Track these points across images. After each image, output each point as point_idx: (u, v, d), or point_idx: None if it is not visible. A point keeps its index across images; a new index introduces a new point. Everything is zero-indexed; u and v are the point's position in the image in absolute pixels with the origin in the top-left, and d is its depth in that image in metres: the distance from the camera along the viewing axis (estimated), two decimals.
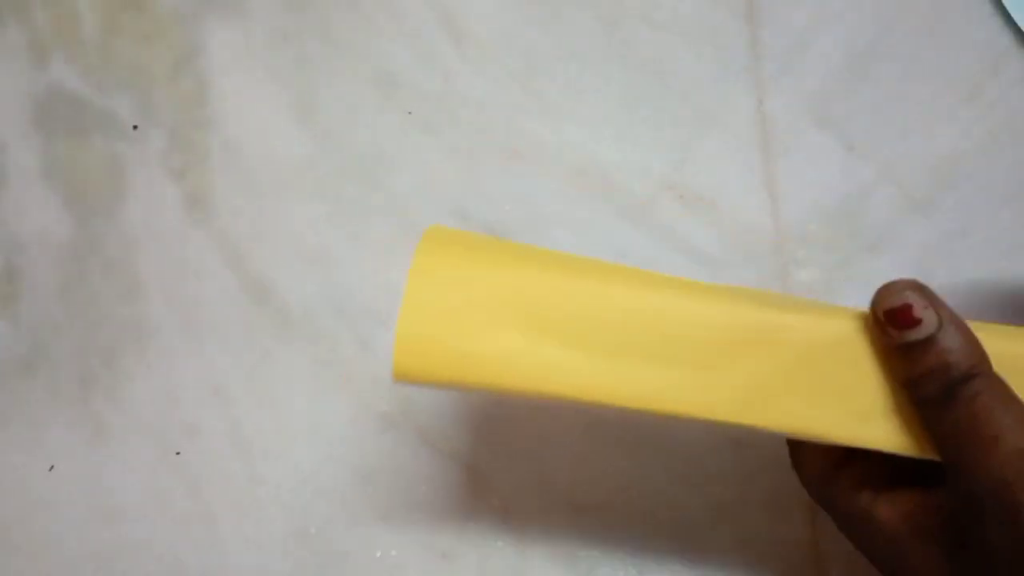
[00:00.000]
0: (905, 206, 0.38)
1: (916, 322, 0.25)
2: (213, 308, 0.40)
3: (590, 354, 0.26)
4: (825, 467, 0.28)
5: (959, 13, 0.40)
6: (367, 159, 0.41)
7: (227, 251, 0.41)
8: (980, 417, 0.24)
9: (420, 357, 0.26)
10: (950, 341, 0.25)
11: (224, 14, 0.44)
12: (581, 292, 0.27)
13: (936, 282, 0.27)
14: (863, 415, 0.26)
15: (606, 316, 0.27)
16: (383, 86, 0.42)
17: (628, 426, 0.36)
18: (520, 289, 0.27)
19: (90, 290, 0.41)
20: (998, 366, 0.25)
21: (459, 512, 0.36)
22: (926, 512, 0.26)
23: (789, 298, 0.29)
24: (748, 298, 0.27)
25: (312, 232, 0.40)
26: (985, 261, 0.37)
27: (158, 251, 0.41)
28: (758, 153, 0.39)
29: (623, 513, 0.35)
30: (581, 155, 0.40)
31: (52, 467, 0.39)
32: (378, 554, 0.36)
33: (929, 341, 0.25)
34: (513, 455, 0.36)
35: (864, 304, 0.26)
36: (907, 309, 0.25)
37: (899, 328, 0.25)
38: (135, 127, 0.43)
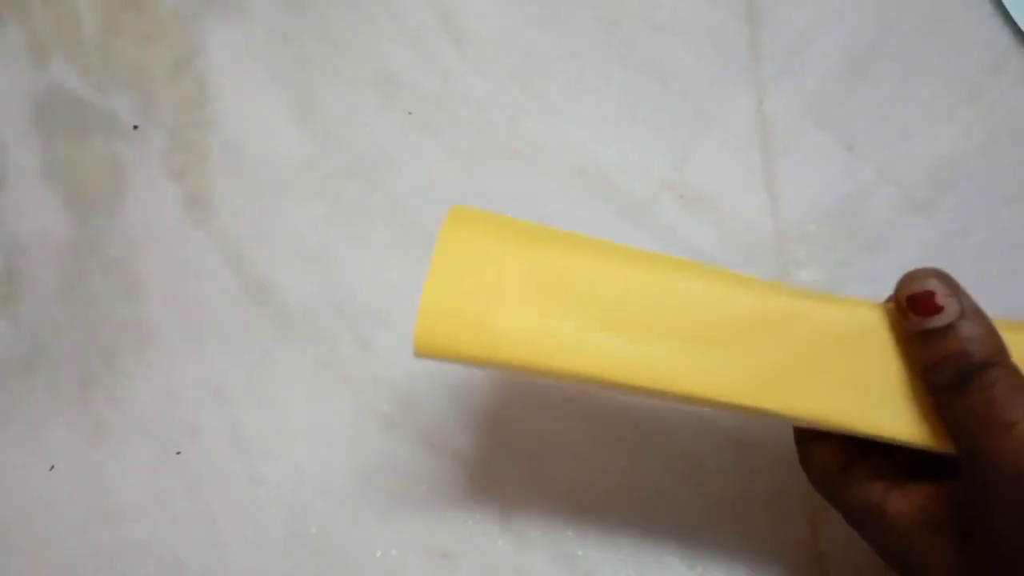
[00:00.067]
0: (905, 206, 0.38)
1: (938, 309, 0.25)
2: (213, 308, 0.40)
3: (609, 333, 0.27)
4: (836, 462, 0.28)
5: (959, 13, 0.40)
6: (367, 159, 0.41)
7: (227, 251, 0.41)
8: (996, 404, 0.24)
9: (441, 331, 0.27)
10: (970, 330, 0.25)
11: (224, 14, 0.44)
12: (602, 273, 0.27)
13: None
14: (880, 404, 0.26)
15: (626, 297, 0.27)
16: (383, 86, 0.42)
17: (628, 426, 0.36)
18: (542, 268, 0.27)
19: (90, 290, 0.41)
20: (1017, 359, 0.25)
21: (459, 512, 0.36)
22: (938, 503, 0.26)
23: (805, 290, 0.29)
24: (766, 285, 0.27)
25: (312, 232, 0.40)
26: (985, 261, 0.37)
27: (158, 251, 0.41)
28: (758, 153, 0.39)
29: (623, 513, 0.35)
30: (581, 155, 0.40)
31: (52, 467, 0.39)
32: (378, 554, 0.36)
33: (950, 329, 0.25)
34: (513, 455, 0.36)
35: None
36: (930, 296, 0.25)
37: (920, 314, 0.25)
38: (135, 127, 0.43)
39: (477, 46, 0.42)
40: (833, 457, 0.28)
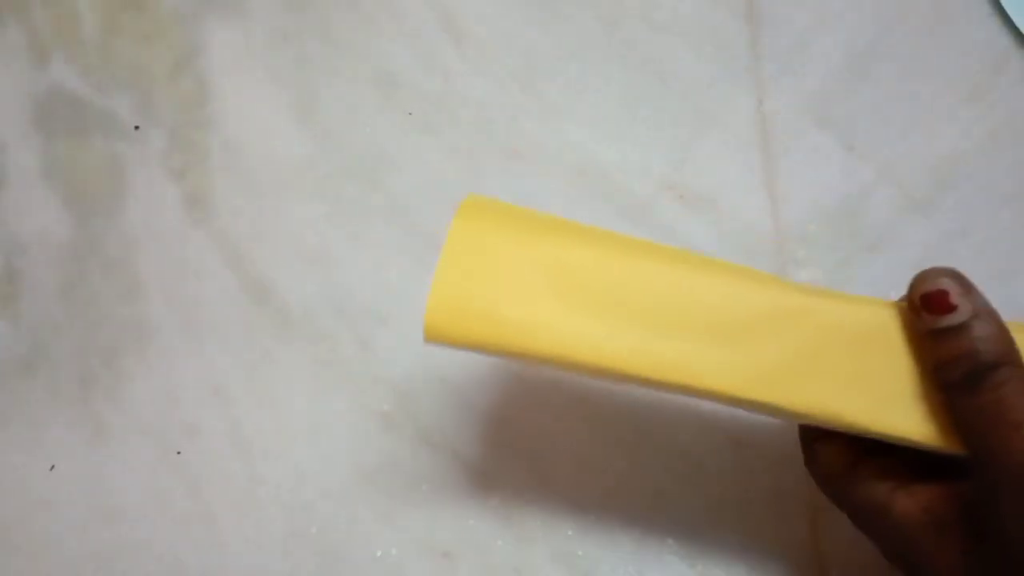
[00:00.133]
0: (905, 206, 0.38)
1: (951, 308, 0.25)
2: (213, 308, 0.40)
3: (618, 324, 0.27)
4: (841, 462, 0.28)
5: (959, 13, 0.40)
6: (367, 159, 0.41)
7: (227, 251, 0.41)
8: (1005, 404, 0.24)
9: (451, 317, 0.27)
10: (982, 329, 0.25)
11: (224, 14, 0.44)
12: (612, 265, 0.27)
13: None
14: (890, 402, 0.26)
15: (636, 288, 0.27)
16: (383, 86, 0.42)
17: (628, 426, 0.36)
18: (553, 258, 0.27)
19: (90, 290, 0.41)
20: None
21: (459, 512, 0.36)
22: (944, 503, 0.26)
23: (816, 287, 0.29)
24: (776, 281, 0.28)
25: (312, 232, 0.40)
26: (985, 261, 0.37)
27: (158, 251, 0.41)
28: (758, 153, 0.39)
29: (623, 512, 0.35)
30: (581, 155, 0.40)
31: (52, 467, 0.38)
32: (378, 554, 0.36)
33: (962, 328, 0.25)
34: (513, 455, 0.36)
35: None
36: (943, 295, 0.25)
37: (933, 313, 0.25)
38: (136, 127, 0.43)
39: (477, 46, 0.42)
40: (839, 457, 0.28)
